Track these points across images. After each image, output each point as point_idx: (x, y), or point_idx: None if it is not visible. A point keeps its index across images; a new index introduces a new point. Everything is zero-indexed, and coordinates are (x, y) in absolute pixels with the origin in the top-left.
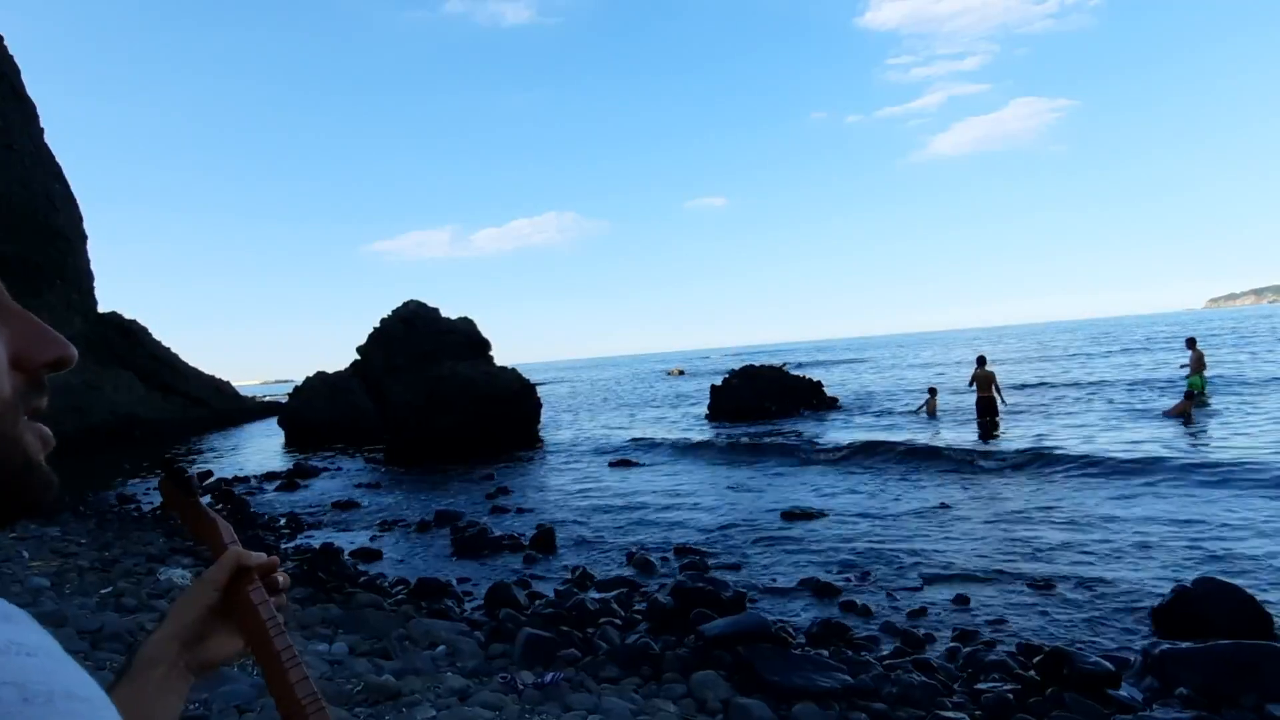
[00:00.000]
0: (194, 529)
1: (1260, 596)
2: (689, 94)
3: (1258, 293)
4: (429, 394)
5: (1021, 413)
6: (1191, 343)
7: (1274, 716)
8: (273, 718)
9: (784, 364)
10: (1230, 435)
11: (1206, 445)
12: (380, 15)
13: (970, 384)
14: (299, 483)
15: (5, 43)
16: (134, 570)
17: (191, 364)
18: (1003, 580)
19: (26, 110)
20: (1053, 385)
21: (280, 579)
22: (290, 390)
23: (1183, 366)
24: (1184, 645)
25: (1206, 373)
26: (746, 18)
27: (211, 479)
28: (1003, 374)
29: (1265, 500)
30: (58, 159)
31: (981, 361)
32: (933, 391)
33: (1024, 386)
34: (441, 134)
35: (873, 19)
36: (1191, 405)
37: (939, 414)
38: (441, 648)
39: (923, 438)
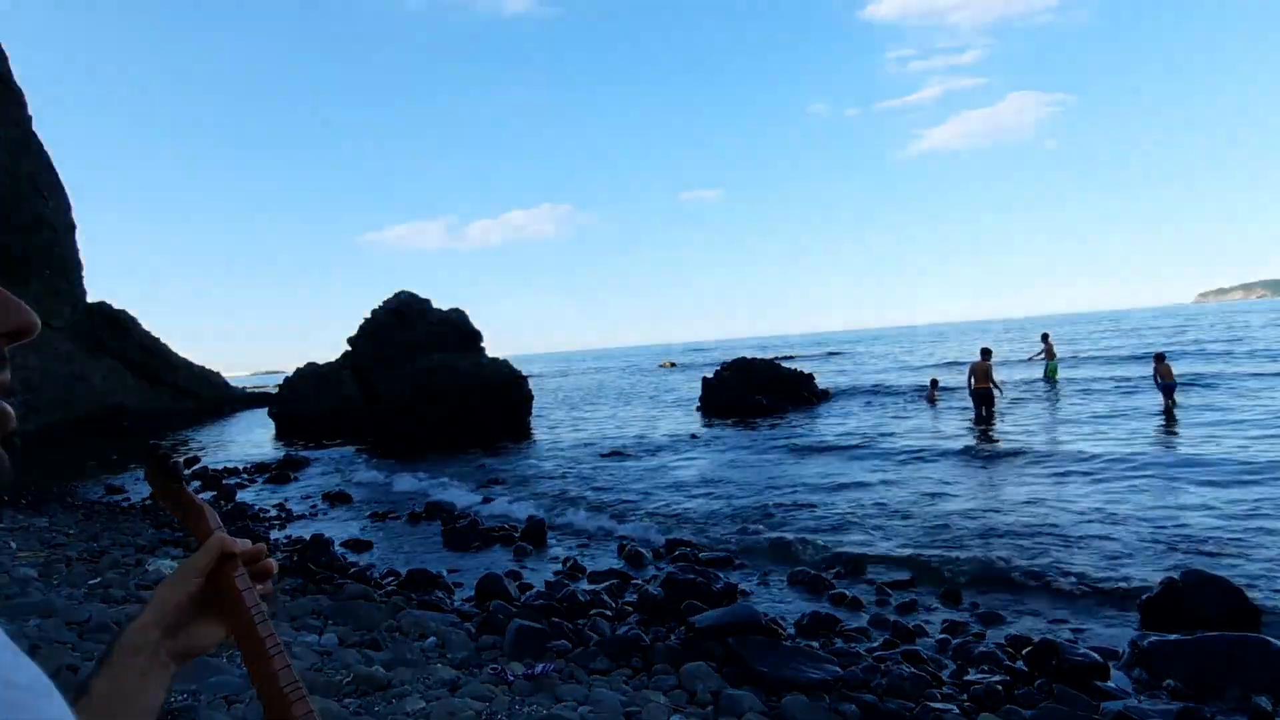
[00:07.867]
0: (180, 515)
1: (1247, 588)
2: (687, 85)
3: (1247, 288)
4: (419, 385)
5: (1017, 406)
6: (1045, 336)
7: (1259, 707)
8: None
9: (775, 357)
10: (1214, 430)
11: (1191, 440)
12: (379, 3)
13: (969, 379)
14: (289, 474)
15: None
16: (122, 561)
17: (181, 354)
18: (992, 573)
19: (14, 98)
20: (1041, 380)
21: (269, 564)
22: (280, 381)
23: (1040, 355)
24: (1172, 637)
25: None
26: (750, 10)
27: (198, 465)
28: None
29: (1251, 493)
30: (46, 147)
31: (986, 354)
32: (934, 383)
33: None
34: (438, 124)
35: (874, 11)
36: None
37: (938, 403)
38: (431, 639)
39: (915, 429)
